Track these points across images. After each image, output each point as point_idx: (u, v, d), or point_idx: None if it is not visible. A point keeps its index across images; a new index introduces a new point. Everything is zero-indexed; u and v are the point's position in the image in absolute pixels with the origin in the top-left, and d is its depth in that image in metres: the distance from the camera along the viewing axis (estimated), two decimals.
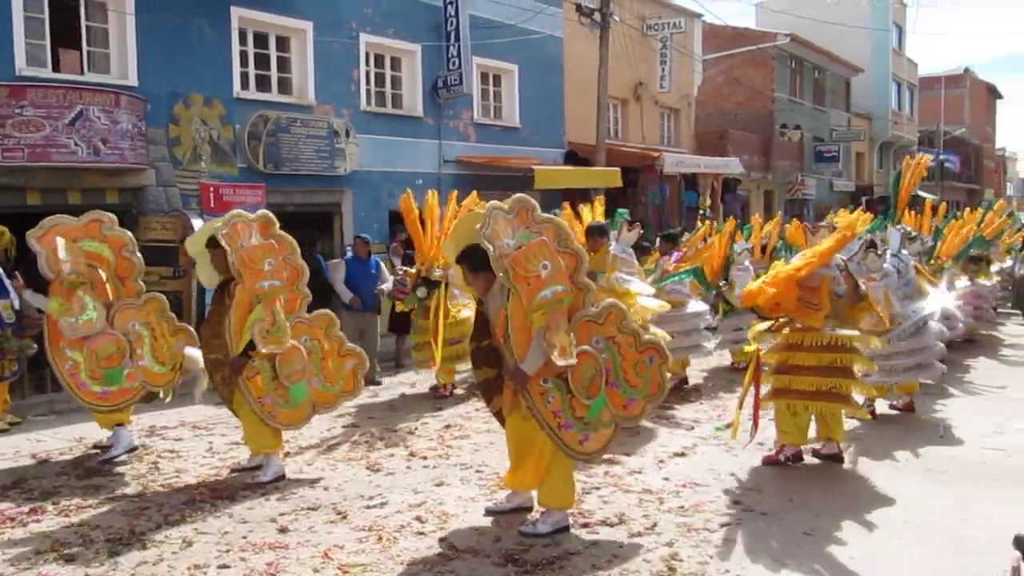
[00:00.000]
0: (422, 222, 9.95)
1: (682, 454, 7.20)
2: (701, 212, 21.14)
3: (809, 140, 34.70)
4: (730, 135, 27.88)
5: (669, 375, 9.65)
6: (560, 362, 4.87)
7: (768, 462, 6.82)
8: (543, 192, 17.37)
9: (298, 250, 6.72)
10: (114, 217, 7.49)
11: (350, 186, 15.42)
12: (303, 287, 6.71)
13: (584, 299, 5.24)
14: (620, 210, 9.84)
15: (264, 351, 6.23)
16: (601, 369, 5.18)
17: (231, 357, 6.28)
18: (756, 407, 6.76)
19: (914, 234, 9.59)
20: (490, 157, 17.85)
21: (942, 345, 8.51)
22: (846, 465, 6.81)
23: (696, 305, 9.88)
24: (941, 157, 43.69)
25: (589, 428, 5.23)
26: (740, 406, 6.79)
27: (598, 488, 6.21)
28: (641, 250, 11.38)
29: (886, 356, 7.91)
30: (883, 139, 42.71)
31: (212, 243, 6.47)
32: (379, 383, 10.52)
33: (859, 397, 7.42)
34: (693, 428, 8.13)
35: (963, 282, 12.28)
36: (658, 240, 11.22)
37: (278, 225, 6.72)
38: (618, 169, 19.02)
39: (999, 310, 15.47)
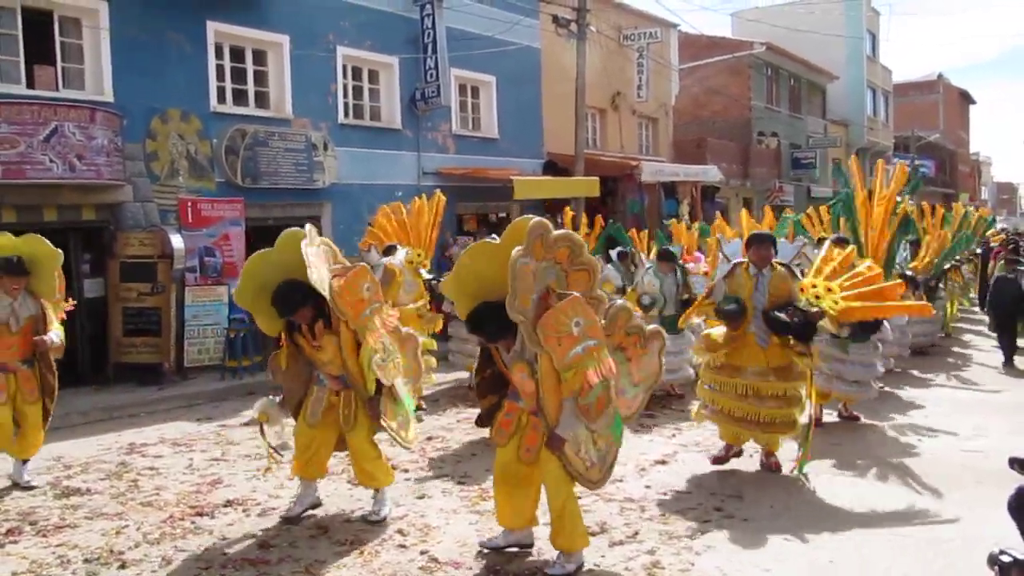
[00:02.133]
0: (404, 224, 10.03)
1: (663, 462, 7.22)
2: (676, 218, 21.15)
3: (786, 147, 34.97)
4: (708, 143, 28.04)
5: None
6: (595, 426, 4.76)
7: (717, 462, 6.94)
8: (522, 203, 17.37)
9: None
10: None
11: (329, 199, 15.39)
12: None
13: (598, 314, 4.92)
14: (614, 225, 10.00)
15: (390, 382, 5.75)
16: (612, 391, 4.88)
17: (367, 402, 5.73)
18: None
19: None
20: (469, 168, 17.87)
21: (881, 368, 8.60)
22: (826, 471, 6.84)
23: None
24: (916, 162, 44.08)
25: (611, 451, 5.02)
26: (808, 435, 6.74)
27: (579, 497, 6.18)
28: (619, 258, 11.42)
29: (839, 359, 8.03)
30: (859, 145, 43.05)
31: (291, 300, 5.62)
32: None
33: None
34: (674, 436, 8.14)
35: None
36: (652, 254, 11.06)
37: (338, 253, 6.04)
38: (597, 179, 19.10)
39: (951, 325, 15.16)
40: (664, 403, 9.57)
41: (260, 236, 14.74)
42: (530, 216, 4.81)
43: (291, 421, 6.05)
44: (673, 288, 9.69)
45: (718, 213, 12.86)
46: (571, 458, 4.81)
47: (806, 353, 6.55)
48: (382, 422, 5.73)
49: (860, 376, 8.20)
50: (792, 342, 6.53)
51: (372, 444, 5.94)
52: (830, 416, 8.57)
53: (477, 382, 5.34)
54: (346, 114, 15.98)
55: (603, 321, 4.90)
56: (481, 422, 5.38)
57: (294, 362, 5.90)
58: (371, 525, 5.78)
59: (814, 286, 6.54)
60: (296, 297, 5.57)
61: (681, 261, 9.83)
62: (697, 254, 9.93)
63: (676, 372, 9.63)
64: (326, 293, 5.43)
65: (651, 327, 5.30)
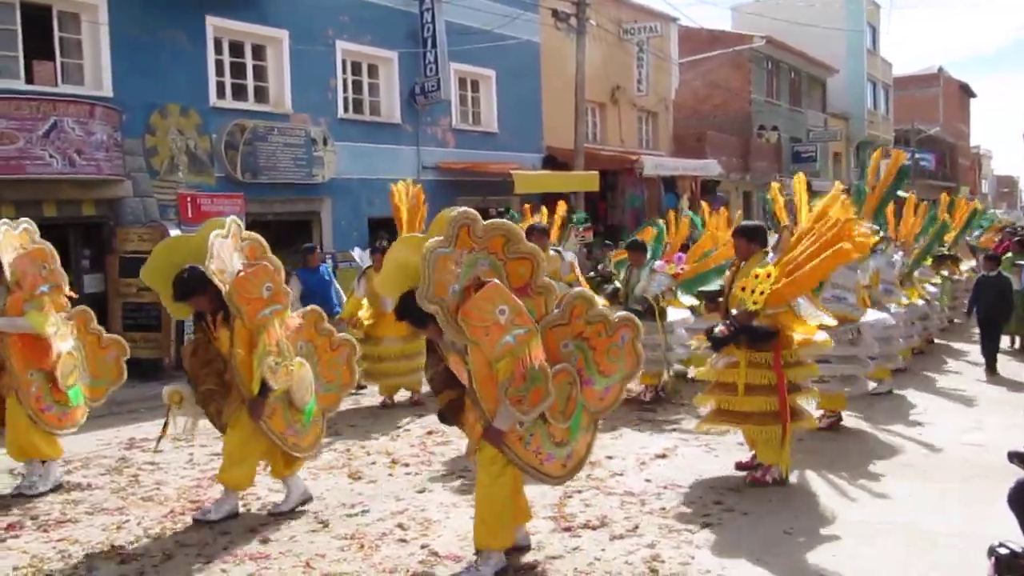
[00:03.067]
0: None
1: (663, 456, 7.22)
2: (676, 212, 21.15)
3: (787, 141, 34.97)
4: (708, 137, 28.04)
5: (646, 387, 9.56)
6: (526, 416, 4.53)
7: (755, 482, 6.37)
8: (523, 197, 17.36)
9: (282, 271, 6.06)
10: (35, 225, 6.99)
11: (329, 194, 15.39)
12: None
13: (547, 304, 4.80)
14: (579, 214, 9.69)
15: (280, 387, 5.75)
16: (575, 377, 4.77)
17: (248, 401, 5.69)
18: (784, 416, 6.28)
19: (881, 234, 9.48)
20: (469, 163, 17.88)
21: (870, 361, 8.20)
22: (825, 466, 6.83)
23: (675, 312, 9.65)
24: (917, 156, 44.08)
25: (571, 444, 4.87)
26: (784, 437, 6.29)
27: (580, 491, 6.22)
28: (606, 248, 11.30)
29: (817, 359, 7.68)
30: (860, 139, 43.08)
31: (186, 285, 5.69)
32: (363, 387, 10.30)
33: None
34: (674, 430, 8.15)
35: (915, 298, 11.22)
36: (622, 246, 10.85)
37: (267, 248, 6.12)
38: (596, 173, 19.12)
39: (954, 320, 14.90)
40: (664, 397, 9.55)
41: (260, 231, 14.68)
42: (456, 208, 4.69)
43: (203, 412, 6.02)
44: (643, 283, 9.38)
45: (704, 205, 12.28)
46: (519, 452, 4.69)
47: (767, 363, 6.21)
48: (262, 423, 5.74)
49: (841, 372, 7.82)
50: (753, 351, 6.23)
51: (242, 445, 5.84)
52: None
53: (430, 377, 5.25)
54: (346, 109, 15.99)
55: (556, 311, 4.78)
56: (443, 418, 5.27)
57: (203, 350, 5.92)
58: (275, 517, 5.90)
59: (742, 288, 6.22)
60: (191, 284, 5.65)
61: (661, 260, 9.54)
62: (678, 255, 9.60)
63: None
64: (221, 285, 5.52)
65: (621, 314, 5.07)
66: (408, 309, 4.74)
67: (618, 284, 9.62)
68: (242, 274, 5.67)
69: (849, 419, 8.20)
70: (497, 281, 4.55)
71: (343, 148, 15.46)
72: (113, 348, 7.29)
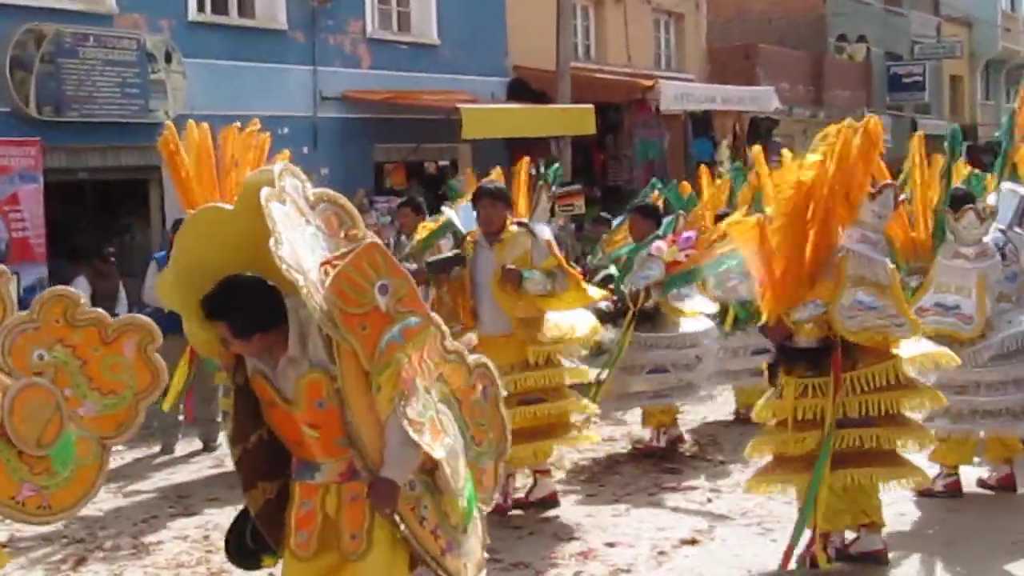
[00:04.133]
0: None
1: (693, 541, 7.21)
2: (712, 165, 21.14)
3: (880, 59, 35.27)
4: (761, 53, 28.17)
5: (655, 430, 9.62)
6: (439, 451, 4.28)
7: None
8: (476, 144, 17.32)
9: None
10: None
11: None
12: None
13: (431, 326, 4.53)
14: (553, 166, 9.63)
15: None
16: (458, 435, 4.63)
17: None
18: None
19: None
20: (393, 92, 17.81)
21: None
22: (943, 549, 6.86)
23: (692, 322, 9.57)
24: None
25: (468, 538, 4.63)
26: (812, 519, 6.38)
27: None
28: (598, 224, 11.26)
29: (960, 387, 7.71)
30: (990, 56, 43.50)
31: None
32: (215, 447, 10.15)
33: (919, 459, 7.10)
34: (710, 501, 8.13)
35: None
36: (626, 216, 10.64)
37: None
38: (591, 107, 19.07)
39: None
40: (698, 453, 9.55)
41: (70, 198, 14.57)
42: (270, 166, 4.45)
43: None
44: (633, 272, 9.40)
45: (756, 153, 11.87)
46: (413, 526, 4.33)
47: None
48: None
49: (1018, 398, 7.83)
50: None
51: None
52: None
53: (237, 459, 4.65)
54: (200, 7, 15.89)
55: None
56: (256, 539, 4.67)
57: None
58: None
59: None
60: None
61: (664, 239, 9.47)
62: (687, 234, 9.45)
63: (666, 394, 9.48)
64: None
65: (474, 358, 4.90)
66: (234, 298, 4.28)
67: (613, 270, 9.59)
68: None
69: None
70: (376, 239, 4.39)
71: (196, 68, 15.31)
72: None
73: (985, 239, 7.53)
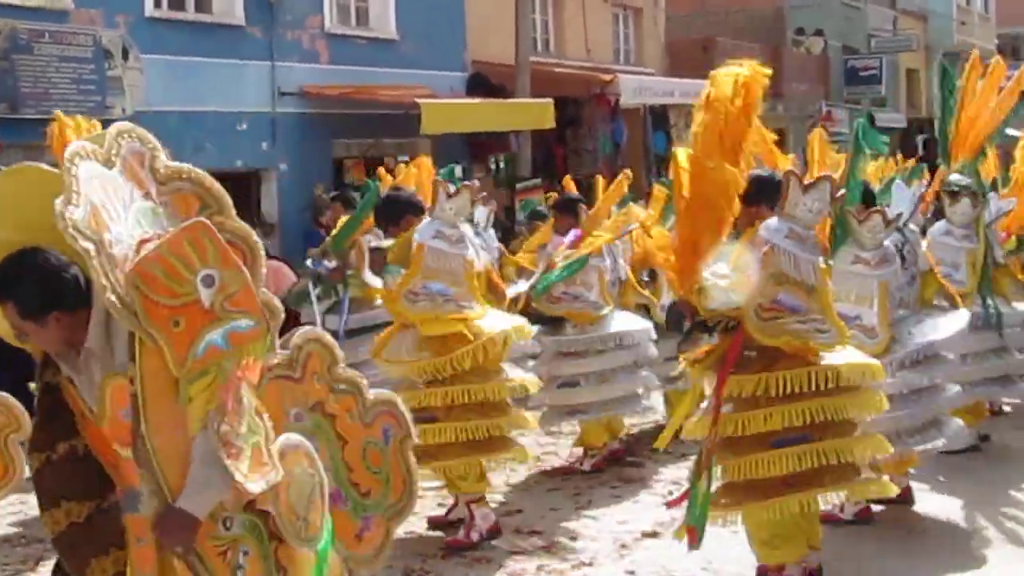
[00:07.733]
0: None
1: (655, 534, 7.23)
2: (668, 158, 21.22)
3: (837, 52, 35.41)
4: (719, 46, 28.18)
5: (595, 448, 9.18)
6: (254, 485, 3.53)
7: None
8: (436, 139, 17.31)
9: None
10: None
11: None
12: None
13: (268, 336, 3.83)
14: (452, 166, 9.53)
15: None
16: (319, 471, 3.93)
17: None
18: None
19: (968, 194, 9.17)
20: (352, 87, 17.78)
21: (958, 388, 7.80)
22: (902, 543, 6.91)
23: (622, 320, 9.10)
24: None
25: None
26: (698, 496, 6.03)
27: None
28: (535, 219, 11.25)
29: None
30: (945, 47, 43.69)
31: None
32: None
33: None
34: (671, 493, 8.17)
35: None
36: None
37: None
38: (550, 101, 19.08)
39: None
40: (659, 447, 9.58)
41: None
42: (102, 133, 3.89)
43: None
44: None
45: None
46: (218, 569, 3.64)
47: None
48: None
49: (926, 413, 7.43)
50: None
51: None
52: None
53: (36, 470, 3.98)
54: (156, 3, 15.80)
55: (281, 354, 4.07)
56: (65, 556, 4.00)
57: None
58: None
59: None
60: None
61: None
62: (574, 233, 9.25)
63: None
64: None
65: (378, 393, 4.49)
66: (20, 273, 3.62)
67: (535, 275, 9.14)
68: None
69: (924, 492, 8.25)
70: (205, 220, 3.64)
71: (154, 64, 15.26)
72: None
73: (886, 242, 7.09)
